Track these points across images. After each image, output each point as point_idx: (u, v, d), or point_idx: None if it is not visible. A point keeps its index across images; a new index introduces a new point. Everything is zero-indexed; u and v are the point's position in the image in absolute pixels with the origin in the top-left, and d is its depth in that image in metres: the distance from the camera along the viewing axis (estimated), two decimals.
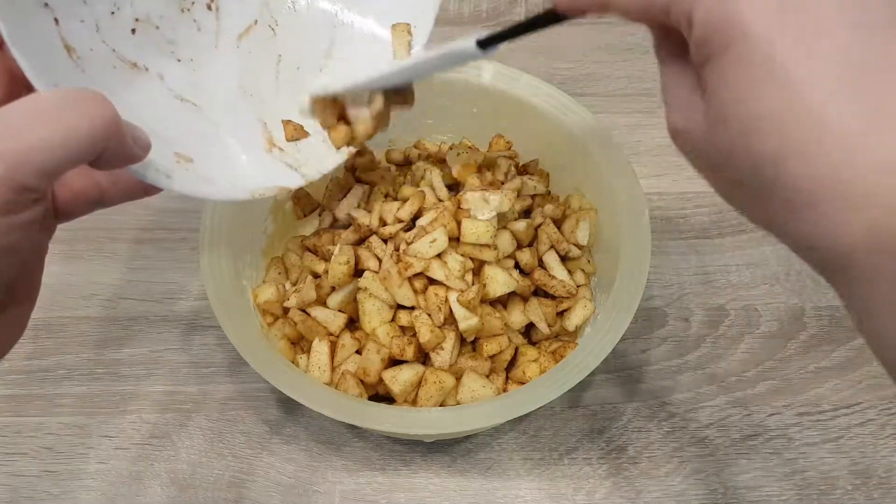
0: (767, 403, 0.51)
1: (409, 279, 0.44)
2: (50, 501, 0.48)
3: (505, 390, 0.45)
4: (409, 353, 0.43)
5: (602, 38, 0.71)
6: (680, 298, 0.56)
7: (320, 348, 0.45)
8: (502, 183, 0.50)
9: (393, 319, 0.45)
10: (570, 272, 0.49)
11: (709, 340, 0.54)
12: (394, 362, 0.44)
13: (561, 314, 0.48)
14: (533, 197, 0.51)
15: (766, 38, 0.22)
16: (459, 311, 0.43)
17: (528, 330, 0.48)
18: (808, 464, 0.49)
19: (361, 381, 0.44)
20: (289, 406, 0.51)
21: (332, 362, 0.45)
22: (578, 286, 0.48)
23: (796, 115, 0.21)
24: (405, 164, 0.54)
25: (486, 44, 0.33)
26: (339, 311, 0.46)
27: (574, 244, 0.49)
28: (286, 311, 0.48)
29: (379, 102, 0.40)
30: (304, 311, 0.47)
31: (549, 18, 0.30)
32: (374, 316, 0.44)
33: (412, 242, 0.44)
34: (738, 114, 0.23)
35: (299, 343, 0.48)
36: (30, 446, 0.50)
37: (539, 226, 0.49)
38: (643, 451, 0.50)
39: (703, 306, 0.55)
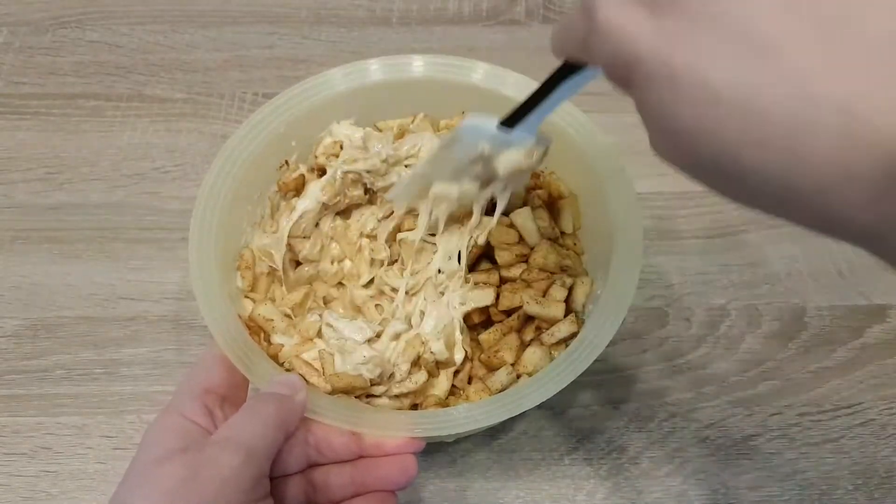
0: (768, 403, 0.51)
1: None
2: (48, 502, 0.48)
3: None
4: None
5: None
6: (680, 298, 0.56)
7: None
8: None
9: None
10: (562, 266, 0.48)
11: (709, 340, 0.54)
12: None
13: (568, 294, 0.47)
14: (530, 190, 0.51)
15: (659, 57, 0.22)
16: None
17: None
18: (808, 464, 0.49)
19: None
20: None
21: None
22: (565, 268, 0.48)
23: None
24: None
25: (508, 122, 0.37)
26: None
27: (561, 231, 0.50)
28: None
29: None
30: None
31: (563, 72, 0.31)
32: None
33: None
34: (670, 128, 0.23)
35: None
36: (28, 446, 0.49)
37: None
38: (644, 451, 0.50)
39: (704, 306, 0.55)
